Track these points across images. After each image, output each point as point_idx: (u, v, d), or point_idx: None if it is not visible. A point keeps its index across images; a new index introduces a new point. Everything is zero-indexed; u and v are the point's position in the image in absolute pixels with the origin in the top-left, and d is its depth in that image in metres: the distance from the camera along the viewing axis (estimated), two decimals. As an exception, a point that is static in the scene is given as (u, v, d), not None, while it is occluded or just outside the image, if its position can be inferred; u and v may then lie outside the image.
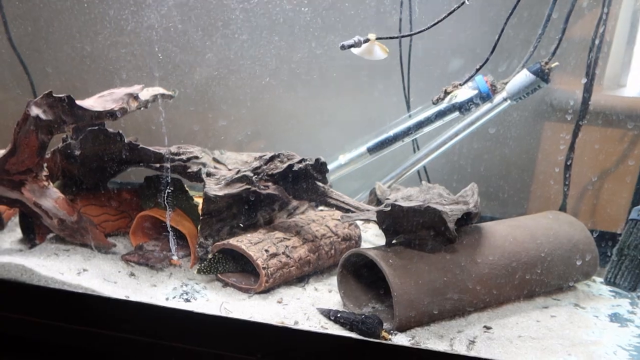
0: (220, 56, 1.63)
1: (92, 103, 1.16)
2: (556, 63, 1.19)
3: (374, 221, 1.03)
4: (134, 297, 1.06)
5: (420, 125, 1.32)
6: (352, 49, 1.11)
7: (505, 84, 1.24)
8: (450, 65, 1.45)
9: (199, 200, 1.28)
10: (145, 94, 1.29)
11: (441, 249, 1.00)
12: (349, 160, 1.40)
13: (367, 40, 1.11)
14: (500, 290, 1.04)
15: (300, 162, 1.12)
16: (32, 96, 1.64)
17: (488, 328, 1.02)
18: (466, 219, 1.04)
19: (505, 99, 1.24)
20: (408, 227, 1.00)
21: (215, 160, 1.30)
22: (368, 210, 1.08)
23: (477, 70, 1.19)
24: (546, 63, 1.19)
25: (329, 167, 1.41)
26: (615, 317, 1.09)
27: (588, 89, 1.34)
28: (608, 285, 1.02)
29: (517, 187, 1.52)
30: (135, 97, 1.23)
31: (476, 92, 1.21)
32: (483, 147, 1.47)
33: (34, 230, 1.20)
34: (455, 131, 1.30)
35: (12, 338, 1.12)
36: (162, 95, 1.33)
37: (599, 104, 1.44)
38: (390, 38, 1.17)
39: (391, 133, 1.35)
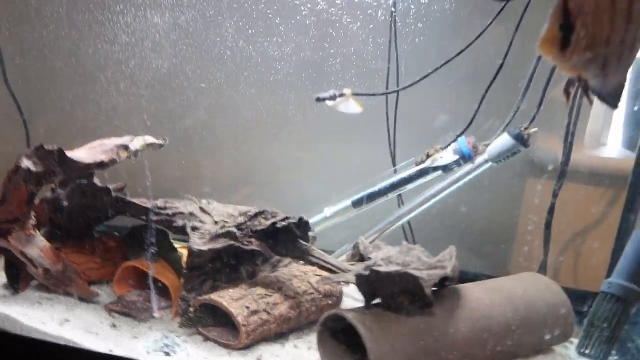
0: (209, 104, 1.68)
1: (83, 154, 1.19)
2: (535, 129, 1.23)
3: (354, 283, 1.05)
4: (116, 350, 1.07)
5: (404, 182, 1.35)
6: (328, 102, 1.15)
7: (487, 145, 1.28)
8: (437, 120, 1.50)
9: (183, 251, 1.30)
10: (136, 143, 1.31)
11: (418, 313, 1.02)
12: (334, 214, 1.43)
13: (342, 95, 1.15)
14: (475, 356, 1.05)
15: (284, 220, 1.15)
16: (25, 138, 1.67)
17: (464, 393, 1.03)
18: (444, 283, 1.06)
19: (486, 161, 1.28)
20: (386, 291, 1.02)
21: (202, 210, 1.32)
22: (348, 271, 1.10)
23: (458, 136, 1.23)
24: (526, 129, 1.23)
25: (314, 219, 1.46)
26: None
27: (567, 150, 1.38)
28: (580, 356, 1.04)
29: (500, 243, 1.55)
30: (126, 148, 1.26)
31: (457, 157, 1.25)
32: (466, 202, 1.50)
33: (18, 278, 1.21)
34: (438, 189, 1.33)
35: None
36: (152, 144, 1.37)
37: (580, 163, 1.48)
38: (367, 95, 1.21)
39: (376, 188, 1.39)
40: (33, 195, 1.14)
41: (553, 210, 1.36)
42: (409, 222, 1.45)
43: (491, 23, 1.17)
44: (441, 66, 1.21)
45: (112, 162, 1.22)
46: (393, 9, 1.39)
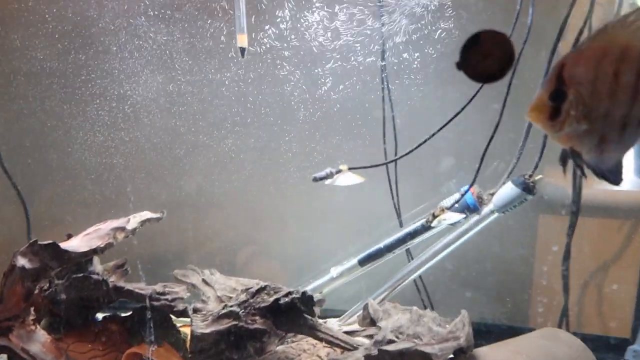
0: (206, 163, 1.66)
1: (78, 243, 1.17)
2: (540, 176, 1.18)
3: (363, 363, 1.00)
4: None
5: (409, 236, 1.30)
6: (326, 181, 1.12)
7: (492, 194, 1.23)
8: (440, 166, 1.46)
9: (187, 330, 1.26)
10: (133, 222, 1.29)
11: (433, 389, 0.97)
12: (340, 273, 1.38)
13: (339, 171, 1.12)
14: None
15: (286, 295, 1.11)
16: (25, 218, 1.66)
17: None
18: (458, 353, 1.01)
19: (492, 211, 1.23)
20: (398, 369, 0.97)
21: (204, 282, 1.30)
22: (357, 347, 1.05)
23: (462, 195, 1.19)
24: (530, 176, 1.18)
25: (321, 280, 1.41)
26: None
27: (577, 185, 1.33)
28: None
29: (516, 286, 1.49)
30: (122, 229, 1.24)
31: (463, 216, 1.20)
32: (478, 244, 1.44)
33: (22, 374, 1.18)
34: (446, 242, 1.28)
35: None
36: (149, 219, 1.34)
37: (592, 197, 1.42)
38: (363, 167, 1.18)
39: (381, 244, 1.34)
40: (30, 292, 1.11)
41: (569, 254, 1.30)
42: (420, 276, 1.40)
43: (473, 97, 1.15)
44: (431, 136, 1.20)
45: (108, 245, 1.20)
46: (383, 62, 1.37)
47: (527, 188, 1.17)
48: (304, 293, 1.10)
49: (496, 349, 1.10)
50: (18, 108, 1.67)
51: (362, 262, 1.36)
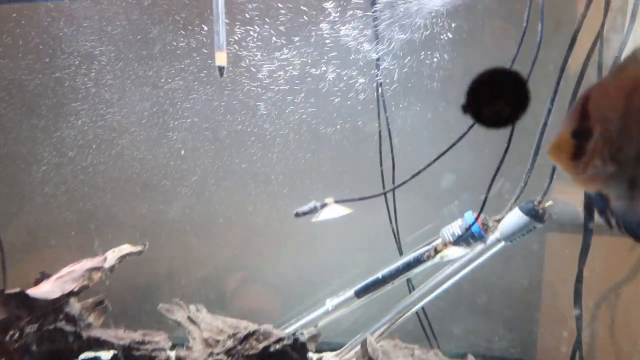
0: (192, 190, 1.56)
1: (50, 288, 1.08)
2: (550, 202, 1.09)
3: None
4: None
5: (409, 266, 1.21)
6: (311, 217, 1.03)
7: (498, 221, 1.14)
8: (443, 189, 1.37)
9: (173, 376, 1.17)
10: (111, 259, 1.20)
11: None
12: (336, 305, 1.29)
13: (324, 205, 1.03)
14: None
15: (277, 341, 1.02)
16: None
17: None
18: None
19: (499, 240, 1.14)
20: None
21: (189, 319, 1.22)
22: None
23: (467, 229, 1.10)
24: (539, 202, 1.09)
25: (316, 313, 1.32)
26: None
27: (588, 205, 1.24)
28: None
29: (524, 314, 1.40)
30: (99, 269, 1.15)
31: (468, 251, 1.11)
32: (483, 271, 1.35)
33: None
34: (449, 273, 1.19)
35: None
36: (129, 253, 1.25)
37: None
38: (350, 201, 1.09)
39: (379, 275, 1.25)
40: (0, 342, 1.03)
41: (581, 278, 1.21)
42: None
43: (464, 134, 1.07)
44: (420, 171, 1.12)
45: (83, 288, 1.12)
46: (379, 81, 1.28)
47: (537, 216, 1.08)
48: (296, 339, 1.02)
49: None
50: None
51: (359, 294, 1.27)
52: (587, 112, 0.57)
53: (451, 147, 1.07)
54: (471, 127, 1.04)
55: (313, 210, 1.03)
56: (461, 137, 1.06)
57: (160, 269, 1.55)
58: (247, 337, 1.05)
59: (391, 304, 1.33)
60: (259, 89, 1.44)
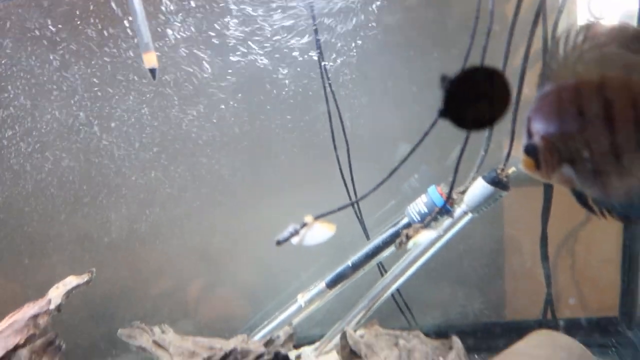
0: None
1: (-10, 346, 0.95)
2: (513, 168, 1.07)
3: None
4: None
5: (378, 250, 1.17)
6: (293, 240, 0.96)
7: (462, 192, 1.11)
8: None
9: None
10: (56, 297, 1.08)
11: None
12: (309, 300, 1.24)
13: (304, 225, 0.96)
14: None
15: (257, 359, 0.96)
16: None
17: None
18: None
19: (466, 212, 1.11)
20: None
21: (155, 343, 1.13)
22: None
23: (438, 212, 1.05)
24: (502, 170, 1.06)
25: (288, 312, 1.27)
26: None
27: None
28: None
29: (492, 277, 1.40)
30: (45, 313, 1.03)
31: (435, 233, 1.08)
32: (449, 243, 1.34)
33: None
34: (419, 252, 1.16)
35: None
36: (77, 286, 1.13)
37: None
38: (331, 213, 1.02)
39: (349, 262, 1.21)
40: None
41: (546, 234, 1.22)
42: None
43: (427, 132, 1.04)
44: (391, 173, 1.10)
45: (31, 338, 1.00)
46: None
47: (501, 184, 1.06)
48: (277, 354, 0.96)
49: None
50: None
51: (331, 285, 1.23)
52: (529, 130, 0.66)
53: (412, 150, 1.04)
54: (432, 126, 1.00)
55: (293, 234, 0.96)
56: (422, 138, 1.01)
57: (112, 290, 1.42)
58: (224, 358, 0.98)
59: (364, 288, 1.30)
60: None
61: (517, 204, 1.43)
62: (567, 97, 0.64)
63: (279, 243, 0.97)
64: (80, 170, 1.39)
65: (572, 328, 1.11)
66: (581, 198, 0.69)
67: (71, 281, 1.13)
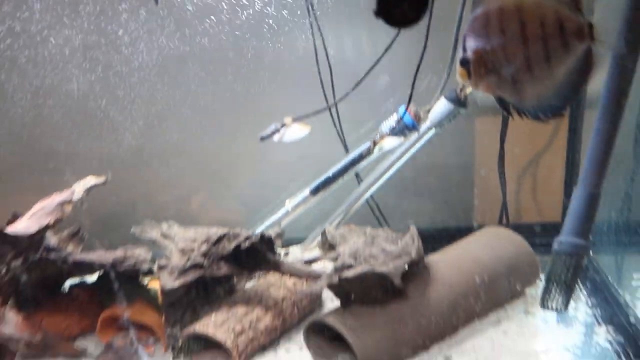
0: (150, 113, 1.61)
1: (26, 224, 1.15)
2: (470, 89, 1.22)
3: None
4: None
5: (354, 161, 1.35)
6: (274, 138, 1.13)
7: (428, 111, 1.27)
8: (378, 90, 1.47)
9: (155, 285, 1.30)
10: (78, 191, 1.27)
11: (391, 302, 1.07)
12: (295, 205, 1.43)
13: (283, 125, 1.12)
14: (452, 321, 1.12)
15: (246, 240, 1.15)
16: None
17: (448, 358, 1.10)
18: (411, 266, 1.10)
19: (429, 128, 1.28)
20: (358, 290, 1.06)
21: (163, 235, 1.32)
22: (319, 275, 1.13)
23: (400, 120, 1.22)
24: (461, 90, 1.22)
25: (277, 215, 1.46)
26: (561, 319, 1.19)
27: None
28: (543, 308, 1.12)
29: (460, 191, 1.58)
30: (69, 202, 1.22)
31: (402, 140, 1.25)
32: (422, 159, 1.51)
33: (2, 356, 1.21)
34: (391, 162, 1.34)
35: None
36: (95, 185, 1.32)
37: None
38: (306, 117, 1.18)
39: (330, 173, 1.39)
40: (-11, 280, 1.11)
41: (503, 153, 1.39)
42: (371, 197, 1.46)
43: (390, 45, 1.19)
44: (357, 83, 1.23)
45: (58, 220, 1.19)
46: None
47: (459, 102, 1.22)
48: (262, 235, 1.15)
49: (444, 253, 1.20)
50: None
51: (314, 192, 1.42)
52: (464, 46, 0.82)
53: (376, 63, 1.18)
54: (393, 40, 1.14)
55: (275, 132, 1.13)
56: (386, 50, 1.16)
57: (124, 198, 1.63)
58: (219, 240, 1.18)
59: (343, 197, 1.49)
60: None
61: (487, 131, 1.60)
62: (493, 19, 0.79)
63: (262, 139, 1.14)
64: (94, 92, 1.56)
65: (521, 230, 1.29)
66: (502, 102, 0.87)
67: (91, 180, 1.32)
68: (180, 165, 1.61)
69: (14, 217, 1.26)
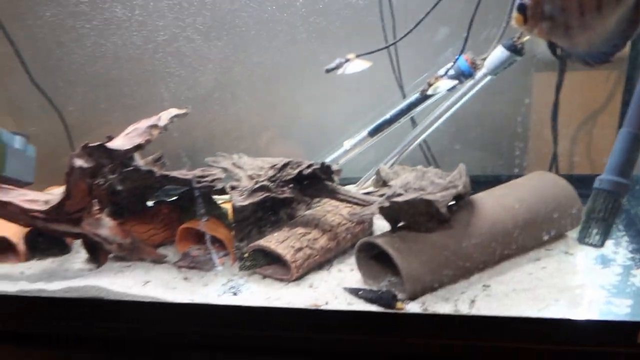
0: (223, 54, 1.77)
1: (122, 142, 1.34)
2: (527, 37, 1.27)
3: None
4: (195, 298, 1.28)
5: (411, 106, 1.44)
6: (337, 71, 1.24)
7: (484, 59, 1.33)
8: (438, 40, 1.53)
9: (227, 206, 1.47)
10: (164, 118, 1.45)
11: (436, 229, 1.17)
12: (353, 145, 1.54)
13: (347, 60, 1.23)
14: (493, 254, 1.21)
15: (308, 167, 1.29)
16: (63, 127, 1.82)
17: (486, 286, 1.20)
18: (457, 199, 1.20)
19: (485, 75, 1.34)
20: (407, 215, 1.17)
21: (234, 164, 1.48)
22: (372, 202, 1.24)
23: (454, 62, 1.29)
24: (518, 38, 1.27)
25: (336, 153, 1.59)
26: (600, 260, 1.25)
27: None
28: (580, 243, 1.17)
29: (514, 141, 1.64)
30: (156, 126, 1.40)
31: (456, 82, 1.32)
32: (478, 105, 1.57)
33: (98, 254, 1.42)
34: (445, 107, 1.42)
35: (101, 341, 1.38)
36: (177, 115, 1.49)
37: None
38: (369, 53, 1.27)
39: (387, 116, 1.48)
40: (91, 187, 1.31)
41: (557, 104, 1.43)
42: (425, 141, 1.55)
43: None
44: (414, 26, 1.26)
45: (147, 142, 1.37)
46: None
47: (516, 50, 1.27)
48: (322, 164, 1.28)
49: (489, 192, 1.29)
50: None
51: (372, 133, 1.52)
52: None
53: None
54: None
55: (339, 66, 1.24)
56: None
57: (201, 132, 1.81)
58: (284, 167, 1.32)
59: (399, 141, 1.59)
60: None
61: (545, 86, 1.63)
62: None
63: (327, 71, 1.25)
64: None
65: (570, 181, 1.34)
66: (552, 47, 0.93)
67: (173, 110, 1.49)
68: (251, 105, 1.76)
69: (109, 139, 1.46)
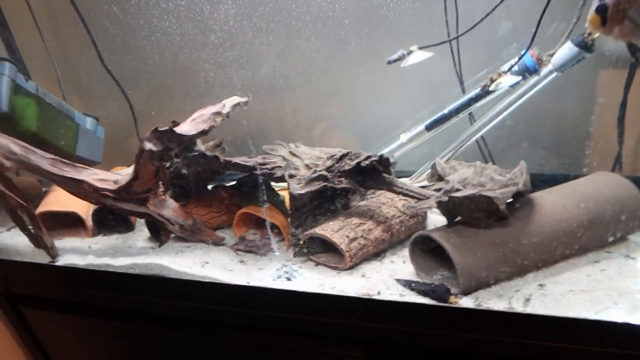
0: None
1: (188, 127, 1.39)
2: (597, 34, 1.23)
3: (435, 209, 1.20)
4: (251, 281, 1.33)
5: (471, 101, 1.43)
6: (400, 63, 1.24)
7: (551, 55, 1.30)
8: (501, 34, 1.51)
9: (284, 193, 1.51)
10: (227, 106, 1.49)
11: (495, 226, 1.17)
12: (409, 139, 1.55)
13: (410, 52, 1.23)
14: (552, 254, 1.19)
15: (366, 159, 1.30)
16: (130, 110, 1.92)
17: (542, 285, 1.19)
18: (517, 197, 1.19)
19: (551, 71, 1.31)
20: (465, 211, 1.17)
21: (291, 153, 1.51)
22: (429, 197, 1.25)
23: (520, 57, 1.27)
24: (589, 34, 1.24)
25: (392, 146, 1.59)
26: (663, 267, 1.21)
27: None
28: None
29: (574, 140, 1.60)
30: (219, 113, 1.45)
31: (519, 78, 1.29)
32: (538, 105, 1.54)
33: (160, 232, 1.49)
34: (506, 104, 1.40)
35: (164, 319, 1.45)
36: (239, 103, 1.54)
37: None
38: (432, 45, 1.27)
39: (446, 110, 1.48)
40: (158, 169, 1.37)
41: (625, 105, 1.38)
42: (482, 137, 1.54)
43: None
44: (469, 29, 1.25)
45: (211, 128, 1.42)
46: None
47: (586, 46, 1.24)
48: (381, 156, 1.29)
49: (550, 191, 1.27)
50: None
51: (429, 127, 1.52)
52: None
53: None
54: None
55: (401, 57, 1.24)
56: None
57: (258, 120, 1.85)
58: (342, 157, 1.34)
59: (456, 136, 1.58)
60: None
61: (610, 83, 1.58)
62: None
63: (389, 62, 1.26)
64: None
65: (634, 182, 1.30)
66: (632, 49, 0.90)
67: (236, 99, 1.53)
68: (308, 96, 1.79)
69: (175, 124, 1.52)
